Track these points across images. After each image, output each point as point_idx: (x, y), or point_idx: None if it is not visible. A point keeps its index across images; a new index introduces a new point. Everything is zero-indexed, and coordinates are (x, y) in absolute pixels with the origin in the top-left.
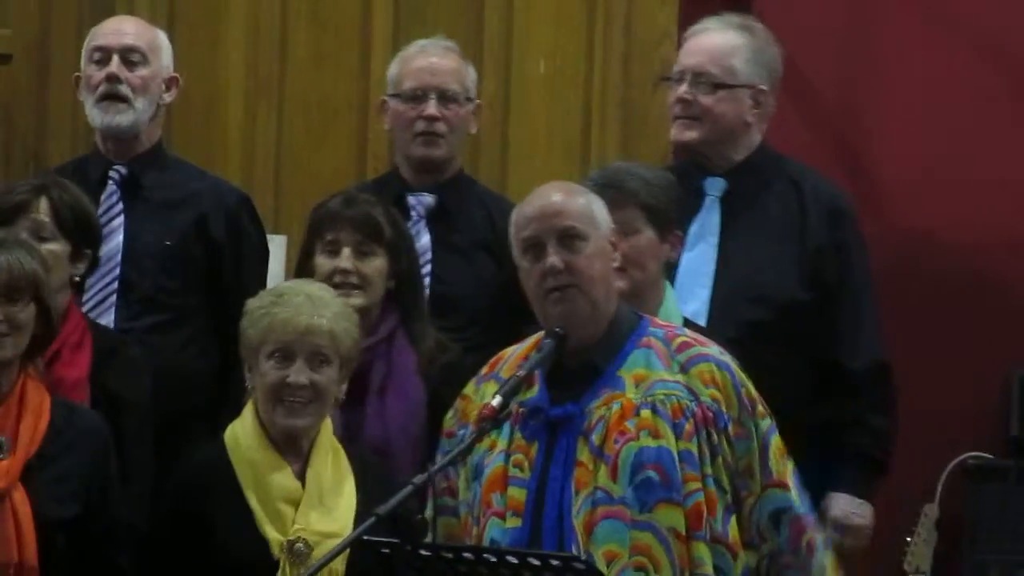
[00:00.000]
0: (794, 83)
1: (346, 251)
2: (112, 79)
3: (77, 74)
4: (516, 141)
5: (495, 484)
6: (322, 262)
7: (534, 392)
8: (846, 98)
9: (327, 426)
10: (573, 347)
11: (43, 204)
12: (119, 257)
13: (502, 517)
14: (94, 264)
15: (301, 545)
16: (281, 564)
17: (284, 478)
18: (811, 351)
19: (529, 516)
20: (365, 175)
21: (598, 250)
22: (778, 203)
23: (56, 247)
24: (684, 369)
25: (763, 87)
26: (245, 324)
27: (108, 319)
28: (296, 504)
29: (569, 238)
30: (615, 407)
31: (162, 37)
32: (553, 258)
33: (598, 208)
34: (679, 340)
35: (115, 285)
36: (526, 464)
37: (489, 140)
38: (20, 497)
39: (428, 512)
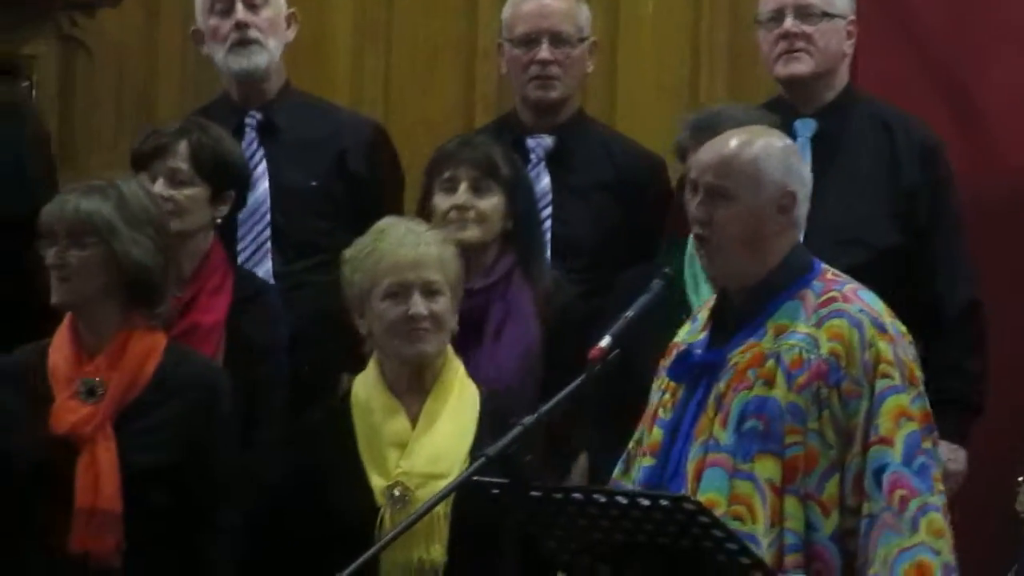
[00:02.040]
0: (900, 16)
1: (462, 187)
2: (241, 26)
3: (195, 27)
4: (624, 82)
5: (646, 421)
6: (439, 200)
7: (703, 335)
8: (953, 32)
9: (452, 362)
10: (733, 294)
11: (182, 148)
12: (267, 204)
13: (645, 455)
14: (240, 204)
15: (399, 490)
16: (382, 511)
17: (395, 422)
18: (905, 294)
19: (662, 457)
20: (473, 118)
21: (746, 212)
22: (869, 143)
23: (193, 192)
24: (819, 323)
25: (852, 18)
26: (349, 271)
27: (265, 267)
28: (403, 447)
29: (717, 194)
30: (747, 356)
31: None
32: (696, 208)
33: (771, 168)
34: (829, 295)
35: (267, 232)
36: (670, 405)
37: (597, 82)
38: (104, 444)
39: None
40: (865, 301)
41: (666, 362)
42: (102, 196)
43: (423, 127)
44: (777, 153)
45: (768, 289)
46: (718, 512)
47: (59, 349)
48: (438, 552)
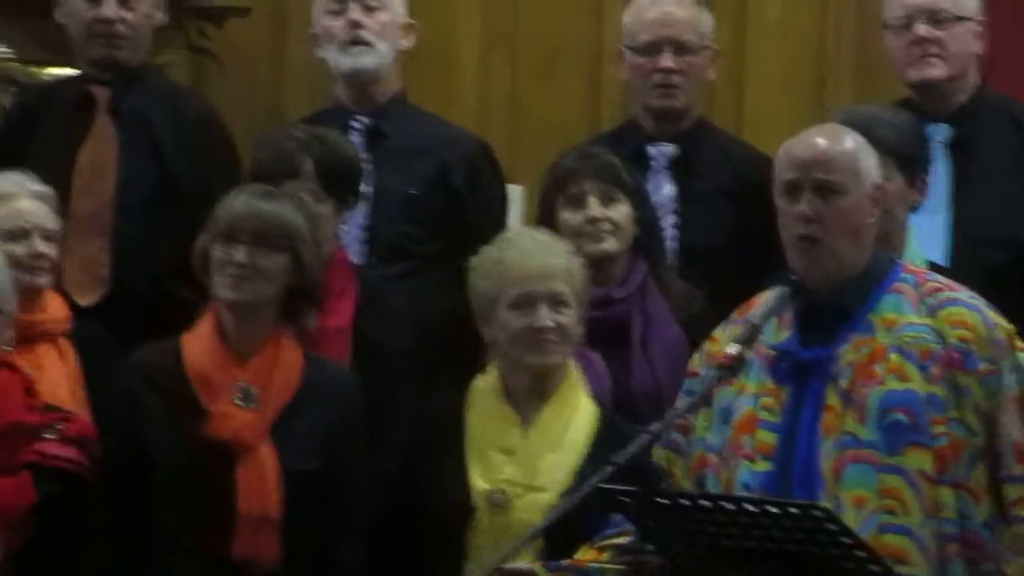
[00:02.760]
0: None
1: (592, 200)
2: (354, 25)
3: (312, 31)
4: (751, 88)
5: (744, 427)
6: (568, 216)
7: (785, 335)
8: None
9: (572, 375)
10: (824, 291)
11: (308, 166)
12: (368, 207)
13: (751, 460)
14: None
15: (500, 496)
16: (479, 513)
17: (506, 428)
18: None
19: (779, 460)
20: (599, 122)
21: (854, 204)
22: (1004, 143)
23: (324, 209)
24: (932, 313)
25: (981, 19)
26: (476, 278)
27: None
28: (511, 455)
29: (826, 190)
30: (864, 351)
31: None
32: (805, 206)
33: (866, 161)
34: (929, 284)
35: (363, 234)
36: (776, 407)
37: (724, 87)
38: (267, 450)
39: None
40: (960, 287)
41: (701, 368)
42: (292, 204)
43: (549, 131)
44: (866, 146)
45: (863, 283)
46: (868, 508)
47: (203, 352)
48: (526, 562)
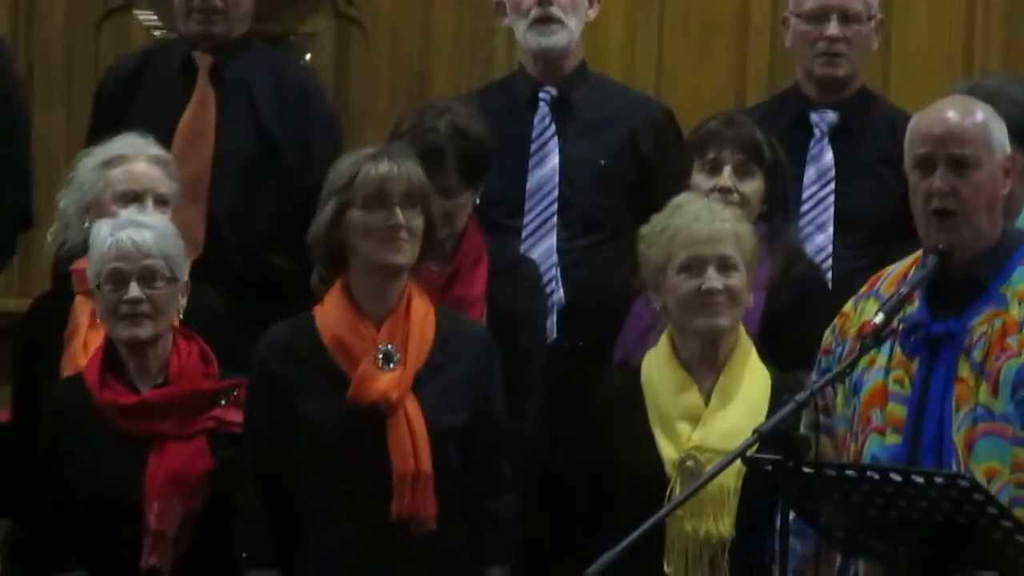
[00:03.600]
0: None
1: (727, 169)
2: (544, 2)
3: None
4: (898, 54)
5: (875, 400)
6: (701, 179)
7: (915, 308)
8: None
9: (744, 340)
10: (956, 264)
11: (450, 164)
12: (556, 178)
13: (882, 433)
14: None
15: (692, 463)
16: (672, 482)
17: (687, 396)
18: None
19: (909, 432)
20: (745, 94)
21: (988, 176)
22: None
23: (463, 199)
24: None
25: None
26: (645, 247)
27: (550, 241)
28: (696, 421)
29: (960, 164)
30: (997, 324)
31: None
32: (940, 181)
33: (997, 132)
34: None
35: (554, 207)
36: (906, 380)
37: (871, 54)
38: (413, 407)
39: (802, 428)
40: None
41: (855, 343)
42: (414, 163)
43: (695, 103)
44: (995, 117)
45: (996, 256)
46: (1000, 481)
47: (338, 320)
48: (726, 526)
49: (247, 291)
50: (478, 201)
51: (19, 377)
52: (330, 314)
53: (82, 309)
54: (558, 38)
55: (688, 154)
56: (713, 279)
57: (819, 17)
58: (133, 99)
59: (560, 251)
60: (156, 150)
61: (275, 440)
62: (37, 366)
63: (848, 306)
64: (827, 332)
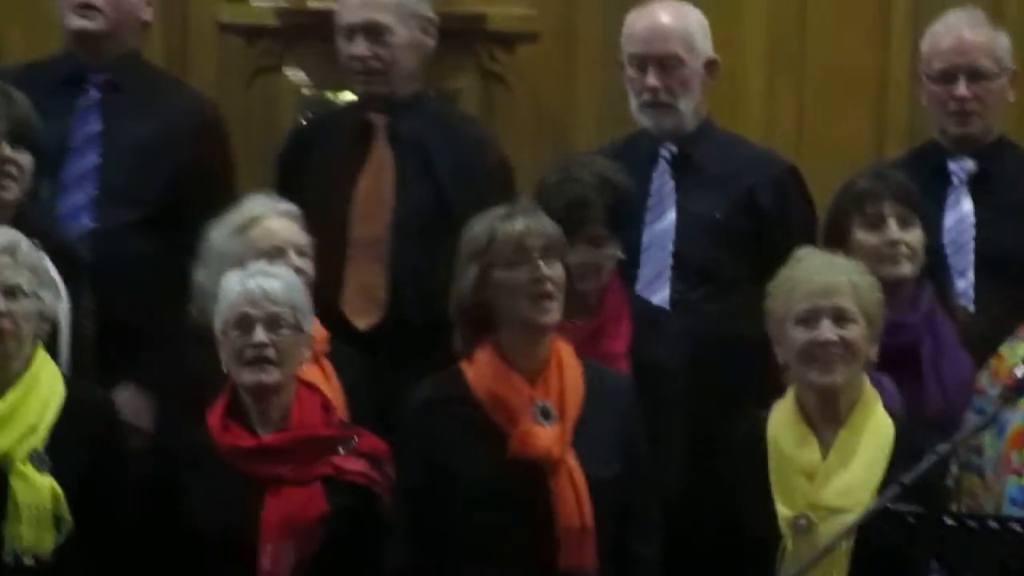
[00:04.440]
0: None
1: (892, 222)
2: (653, 90)
3: (620, 58)
4: None
5: (1016, 441)
6: (864, 237)
7: None
8: None
9: (868, 394)
10: None
11: (598, 213)
12: (672, 233)
13: (1019, 474)
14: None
15: (804, 522)
16: (785, 539)
17: (806, 452)
18: None
19: None
20: (884, 147)
21: None
22: None
23: (611, 250)
24: None
25: None
26: (769, 300)
27: (663, 293)
28: (813, 478)
29: None
30: None
31: (696, 23)
32: None
33: None
34: None
35: (669, 260)
36: None
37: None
38: (574, 462)
39: (953, 471)
40: None
41: (1000, 396)
42: (545, 217)
43: (834, 155)
44: None
45: None
46: None
47: (492, 376)
48: None
49: (428, 347)
50: (620, 253)
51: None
52: (483, 370)
53: None
54: (666, 122)
55: (844, 214)
56: (827, 331)
57: (948, 77)
58: (313, 161)
59: (673, 303)
60: (284, 205)
61: (427, 495)
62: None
63: (1004, 347)
64: (982, 372)
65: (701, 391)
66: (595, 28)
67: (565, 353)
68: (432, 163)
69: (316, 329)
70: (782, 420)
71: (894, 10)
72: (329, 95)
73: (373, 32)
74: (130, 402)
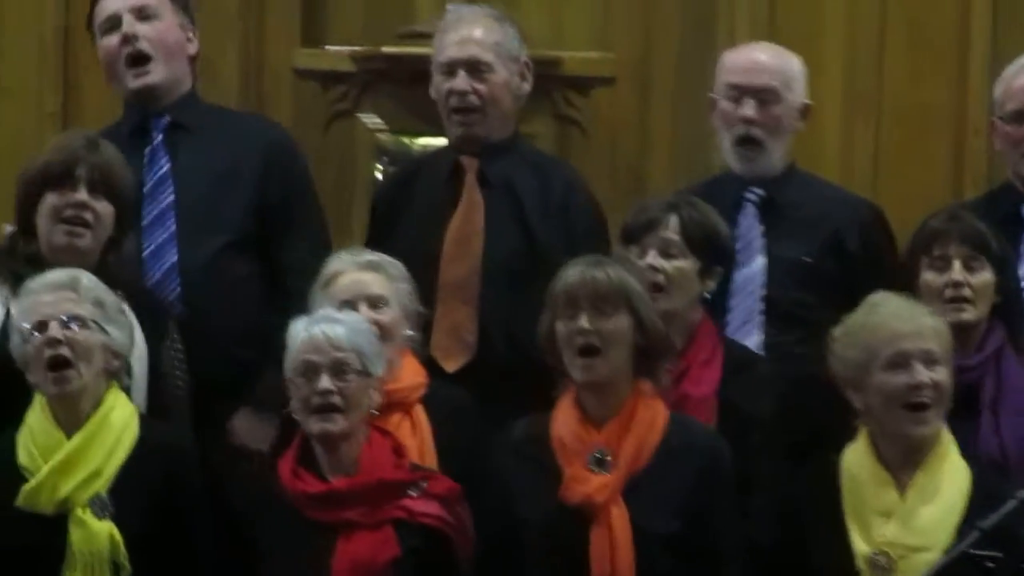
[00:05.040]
0: None
1: (956, 264)
2: (748, 121)
3: (712, 95)
4: None
5: None
6: (931, 278)
7: None
8: None
9: (944, 435)
10: None
11: (672, 222)
12: (762, 277)
13: None
14: (725, 281)
15: (882, 559)
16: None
17: (884, 492)
18: None
19: None
20: (961, 189)
21: None
22: None
23: (684, 264)
24: None
25: None
26: (841, 348)
27: (755, 337)
28: (891, 517)
29: None
30: None
31: (796, 67)
32: None
33: None
34: None
35: (760, 305)
36: None
37: None
38: (618, 512)
39: None
40: None
41: None
42: (623, 267)
43: (912, 200)
44: None
45: None
46: None
47: (564, 422)
48: None
49: (516, 389)
50: (708, 295)
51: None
52: (560, 414)
53: None
54: (756, 165)
55: (915, 254)
56: (922, 373)
57: (1020, 118)
58: (406, 206)
59: (766, 347)
60: (368, 256)
61: (498, 536)
62: None
63: None
64: None
65: (795, 435)
66: (670, 72)
67: (645, 404)
68: (522, 206)
69: (415, 375)
70: (857, 461)
71: (972, 51)
72: (405, 140)
73: (474, 69)
74: (247, 426)
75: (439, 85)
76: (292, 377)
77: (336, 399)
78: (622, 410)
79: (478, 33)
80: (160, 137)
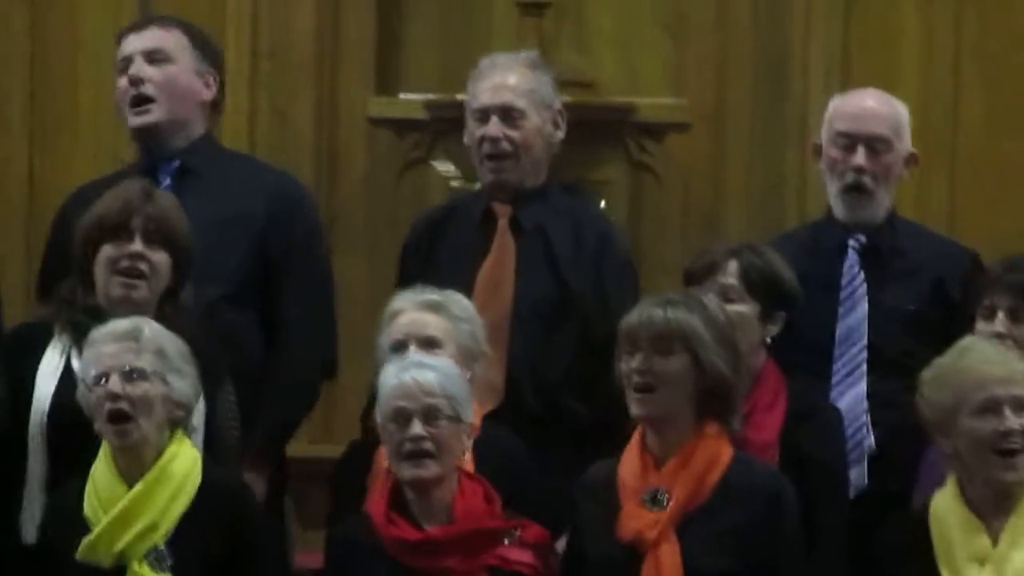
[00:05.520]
0: None
1: (1000, 315)
2: (858, 170)
3: (817, 141)
4: None
5: None
6: (981, 326)
7: None
8: None
9: None
10: None
11: (732, 266)
12: (866, 326)
13: None
14: (787, 327)
15: None
16: None
17: (976, 538)
18: None
19: None
20: None
21: None
22: None
23: (744, 308)
24: None
25: None
26: (929, 392)
27: (860, 387)
28: (983, 563)
29: None
30: None
31: (904, 114)
32: None
33: None
34: None
35: (864, 353)
36: None
37: None
38: (668, 549)
39: None
40: None
41: None
42: (687, 307)
43: (988, 248)
44: None
45: None
46: None
47: (629, 461)
48: None
49: (544, 435)
50: (769, 340)
51: (334, 522)
52: (626, 454)
53: (384, 455)
54: (865, 213)
55: (974, 300)
56: (1011, 420)
57: None
58: (437, 249)
59: (870, 396)
60: (431, 295)
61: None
62: (348, 511)
63: None
64: None
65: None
66: (744, 118)
67: (707, 444)
68: (554, 253)
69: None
70: (946, 507)
71: None
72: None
73: (507, 116)
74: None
75: (472, 131)
76: (384, 423)
77: (428, 445)
78: (682, 450)
79: (512, 80)
80: (168, 181)
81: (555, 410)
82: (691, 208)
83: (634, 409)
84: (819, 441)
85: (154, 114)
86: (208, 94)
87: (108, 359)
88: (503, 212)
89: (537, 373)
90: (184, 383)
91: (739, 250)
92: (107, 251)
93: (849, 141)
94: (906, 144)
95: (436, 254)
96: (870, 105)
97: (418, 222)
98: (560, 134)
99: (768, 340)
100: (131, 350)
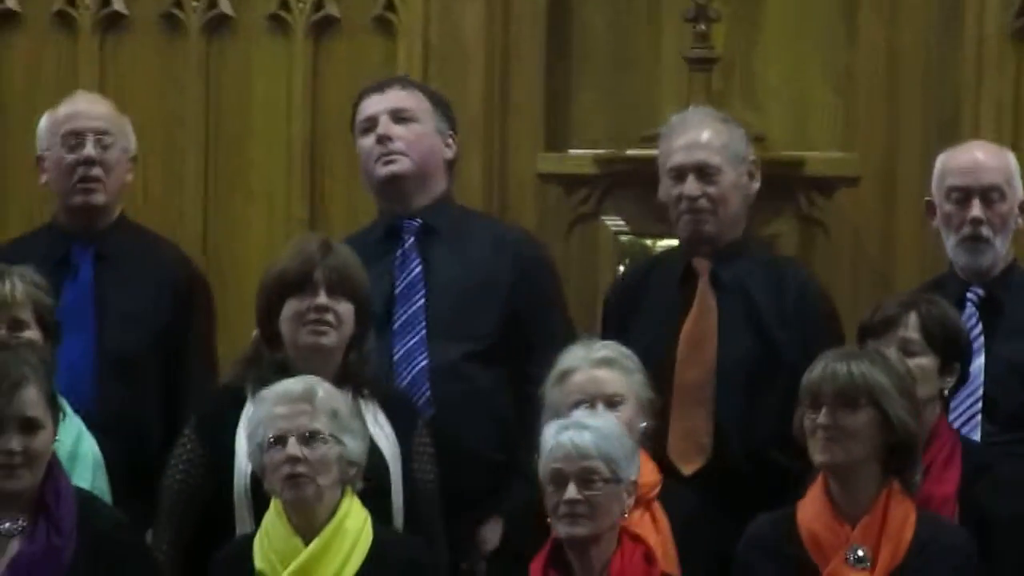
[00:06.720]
0: None
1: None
2: (976, 221)
3: (929, 199)
4: None
5: None
6: None
7: None
8: None
9: None
10: None
11: (912, 320)
12: (982, 378)
13: None
14: (962, 379)
15: None
16: None
17: None
18: None
19: None
20: None
21: None
22: None
23: (924, 361)
24: None
25: None
26: None
27: (974, 436)
28: None
29: None
30: None
31: (1014, 162)
32: None
33: None
34: None
35: (979, 405)
36: None
37: None
38: None
39: None
40: None
41: None
42: (871, 361)
43: None
44: None
45: None
46: None
47: (816, 516)
48: None
49: (752, 491)
50: (946, 393)
51: None
52: (809, 509)
53: None
54: (984, 260)
55: None
56: None
57: None
58: (638, 307)
59: (984, 446)
60: (602, 352)
61: None
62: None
63: None
64: None
65: None
66: (915, 171)
67: (897, 501)
68: (756, 308)
69: (651, 473)
70: None
71: None
72: (647, 242)
73: (703, 173)
74: (496, 538)
75: (668, 189)
76: (544, 481)
77: (582, 508)
78: (874, 507)
79: (705, 136)
80: (411, 240)
81: (763, 467)
82: (860, 263)
83: (818, 457)
84: (997, 496)
85: (404, 165)
86: (450, 153)
87: (283, 421)
88: (703, 268)
89: (746, 431)
90: (356, 443)
91: (916, 303)
92: (292, 305)
93: (963, 195)
94: (1018, 193)
95: (637, 312)
96: (980, 157)
97: (618, 280)
98: (756, 185)
99: (945, 393)
100: (306, 412)
